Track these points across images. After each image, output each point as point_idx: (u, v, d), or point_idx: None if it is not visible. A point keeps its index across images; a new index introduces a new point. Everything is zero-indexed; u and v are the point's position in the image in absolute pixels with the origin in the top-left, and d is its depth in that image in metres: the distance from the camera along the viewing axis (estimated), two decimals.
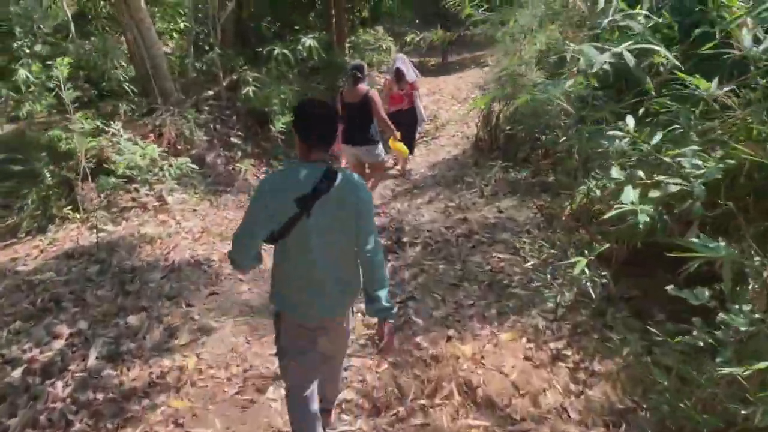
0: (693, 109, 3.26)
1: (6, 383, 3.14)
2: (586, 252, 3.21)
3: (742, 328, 2.23)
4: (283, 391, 2.91)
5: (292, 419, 2.41)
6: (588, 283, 3.27)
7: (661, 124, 3.38)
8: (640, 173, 3.06)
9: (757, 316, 2.23)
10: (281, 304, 2.28)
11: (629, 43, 2.65)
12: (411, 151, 6.81)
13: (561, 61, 5.17)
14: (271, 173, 2.11)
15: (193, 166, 6.14)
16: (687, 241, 2.64)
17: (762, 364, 1.96)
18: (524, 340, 3.32)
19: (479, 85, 10.88)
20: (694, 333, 2.52)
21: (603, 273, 3.36)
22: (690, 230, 3.00)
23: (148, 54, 6.83)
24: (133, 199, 5.76)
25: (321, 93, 9.08)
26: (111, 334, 3.60)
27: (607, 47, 2.64)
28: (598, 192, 3.67)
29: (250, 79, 7.84)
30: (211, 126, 7.43)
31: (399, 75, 6.56)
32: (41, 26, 6.89)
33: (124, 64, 7.32)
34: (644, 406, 2.77)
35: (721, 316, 2.35)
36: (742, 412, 2.21)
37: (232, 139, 7.55)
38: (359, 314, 3.69)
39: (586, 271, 3.19)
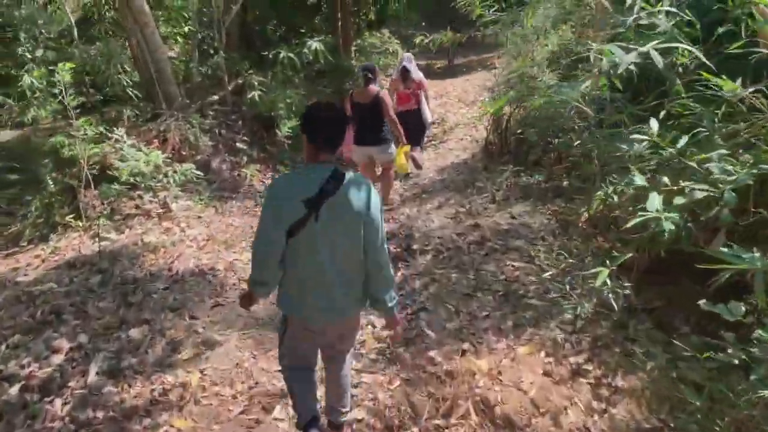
0: (716, 111, 3.13)
1: (3, 401, 3.02)
2: (607, 262, 3.07)
3: None
4: (290, 410, 2.78)
5: (286, 378, 2.59)
6: (610, 294, 3.12)
7: (682, 127, 3.24)
8: (665, 179, 2.92)
9: None
10: (288, 308, 2.29)
11: (656, 42, 2.50)
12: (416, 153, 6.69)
13: (574, 63, 5.04)
14: (278, 177, 2.11)
15: (198, 172, 6.03)
16: (718, 251, 2.50)
17: None
18: (542, 353, 3.17)
19: (487, 87, 10.74)
20: (729, 351, 2.36)
21: (625, 284, 3.21)
22: (716, 238, 2.86)
23: (152, 58, 6.74)
24: (137, 207, 5.65)
25: (327, 96, 8.97)
26: (112, 348, 3.48)
27: (632, 47, 2.48)
28: (615, 198, 3.53)
29: (256, 83, 7.75)
30: (216, 131, 7.33)
31: (405, 73, 6.51)
32: (42, 31, 6.82)
33: (129, 68, 7.25)
34: (672, 425, 2.61)
35: (759, 333, 2.20)
36: None
37: (237, 144, 7.45)
38: (369, 327, 3.57)
39: (608, 281, 3.04)
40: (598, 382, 2.93)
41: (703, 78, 2.95)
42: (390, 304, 2.28)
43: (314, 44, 8.45)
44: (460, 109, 10.17)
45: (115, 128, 5.65)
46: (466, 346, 3.27)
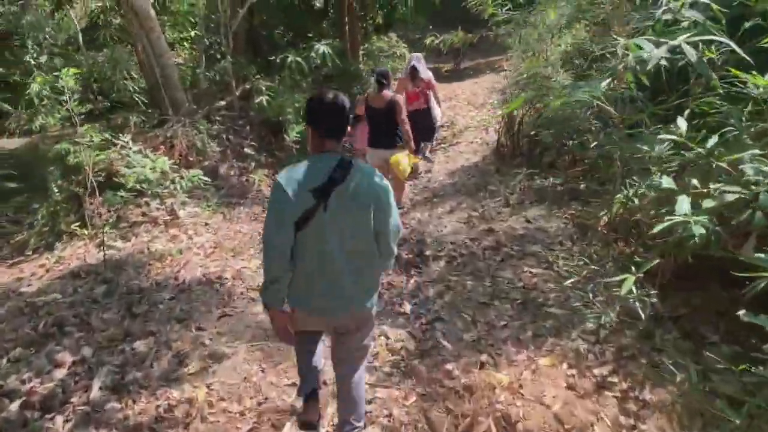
0: (743, 109, 2.97)
1: (2, 418, 2.89)
2: (632, 268, 2.91)
3: None
4: None
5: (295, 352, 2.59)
6: (636, 303, 2.96)
7: (708, 126, 3.08)
8: (694, 181, 2.76)
9: None
10: (295, 301, 2.24)
11: (687, 35, 2.35)
12: (423, 154, 6.63)
13: (589, 62, 4.89)
14: (285, 169, 2.00)
15: (206, 178, 5.93)
16: (753, 257, 2.35)
17: None
18: (565, 365, 3.01)
19: (497, 89, 10.61)
20: None
21: (651, 292, 3.04)
22: (747, 243, 2.70)
23: (158, 63, 6.67)
24: (143, 214, 5.55)
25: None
26: (116, 361, 3.35)
27: (663, 41, 2.33)
28: (636, 201, 3.37)
29: (263, 88, 7.68)
30: (224, 137, 7.24)
31: (413, 72, 6.50)
32: (47, 37, 6.78)
33: (135, 75, 7.19)
34: None
35: None
36: None
37: (245, 149, 7.35)
38: (383, 338, 3.42)
39: (634, 289, 2.88)
40: (625, 395, 2.77)
41: (730, 75, 2.81)
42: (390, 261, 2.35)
43: (322, 48, 8.37)
44: (469, 112, 10.03)
45: (120, 134, 5.56)
46: (484, 358, 3.12)
